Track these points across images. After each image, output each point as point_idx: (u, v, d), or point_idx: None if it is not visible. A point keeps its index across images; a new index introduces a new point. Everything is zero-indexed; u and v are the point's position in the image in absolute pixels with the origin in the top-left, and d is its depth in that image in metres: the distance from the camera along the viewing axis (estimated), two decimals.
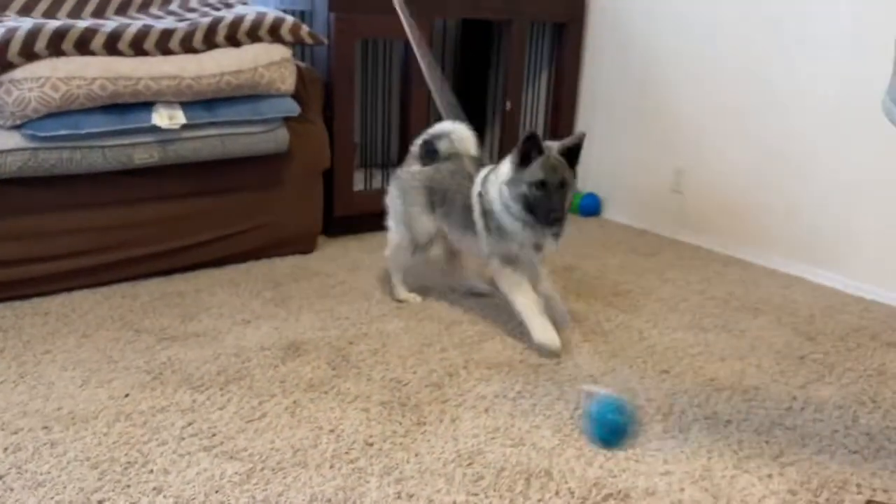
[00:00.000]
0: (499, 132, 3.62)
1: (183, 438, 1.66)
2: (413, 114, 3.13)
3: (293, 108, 2.63)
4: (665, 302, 2.58)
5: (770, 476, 1.62)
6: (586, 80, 3.64)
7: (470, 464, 1.62)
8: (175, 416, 1.74)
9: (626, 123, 3.49)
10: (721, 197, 3.15)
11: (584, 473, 1.60)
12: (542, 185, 2.00)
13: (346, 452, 1.64)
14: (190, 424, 1.71)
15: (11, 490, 1.47)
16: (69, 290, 2.43)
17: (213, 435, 1.68)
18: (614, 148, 3.55)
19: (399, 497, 1.50)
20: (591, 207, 3.58)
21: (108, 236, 2.44)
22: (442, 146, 2.37)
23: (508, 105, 3.43)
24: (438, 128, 2.39)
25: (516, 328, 2.29)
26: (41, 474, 1.52)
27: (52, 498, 1.45)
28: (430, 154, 2.38)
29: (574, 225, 3.39)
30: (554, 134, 3.64)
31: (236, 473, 1.54)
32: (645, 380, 2.01)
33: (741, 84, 3.03)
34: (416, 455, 1.64)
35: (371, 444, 1.67)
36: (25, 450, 1.59)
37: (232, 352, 2.07)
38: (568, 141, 2.04)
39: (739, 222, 3.10)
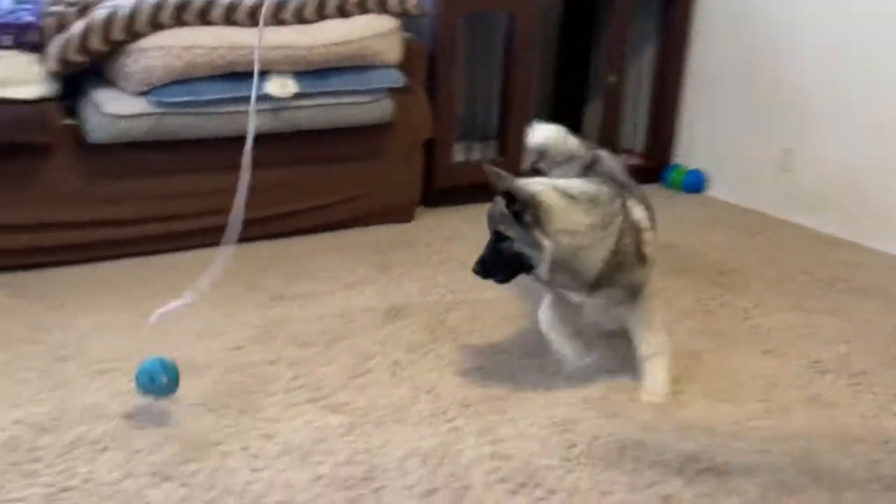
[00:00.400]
0: (601, 109, 3.57)
1: (290, 390, 1.75)
2: (515, 87, 3.13)
3: (398, 79, 2.68)
4: (769, 282, 2.50)
5: (875, 462, 1.57)
6: (694, 53, 3.53)
7: (564, 431, 1.65)
8: (283, 370, 1.84)
9: (734, 98, 3.38)
10: (831, 176, 3.02)
11: (680, 447, 1.60)
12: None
13: (444, 412, 1.69)
14: (297, 378, 1.81)
15: (136, 428, 1.59)
16: (187, 248, 2.56)
17: (318, 389, 1.76)
18: (721, 124, 3.44)
19: (494, 457, 1.55)
20: (695, 184, 3.50)
21: (223, 200, 2.50)
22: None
23: (612, 79, 3.38)
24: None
25: None
26: (164, 415, 1.64)
27: (172, 437, 1.56)
28: None
29: (676, 202, 3.33)
30: (657, 111, 3.56)
31: (340, 426, 1.62)
32: (748, 359, 1.97)
33: (856, 61, 2.88)
34: (512, 419, 1.68)
35: (468, 406, 1.72)
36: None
37: (337, 312, 2.16)
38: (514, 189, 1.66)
39: (850, 203, 2.96)
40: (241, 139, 2.47)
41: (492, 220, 1.68)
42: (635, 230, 1.73)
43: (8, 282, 2.22)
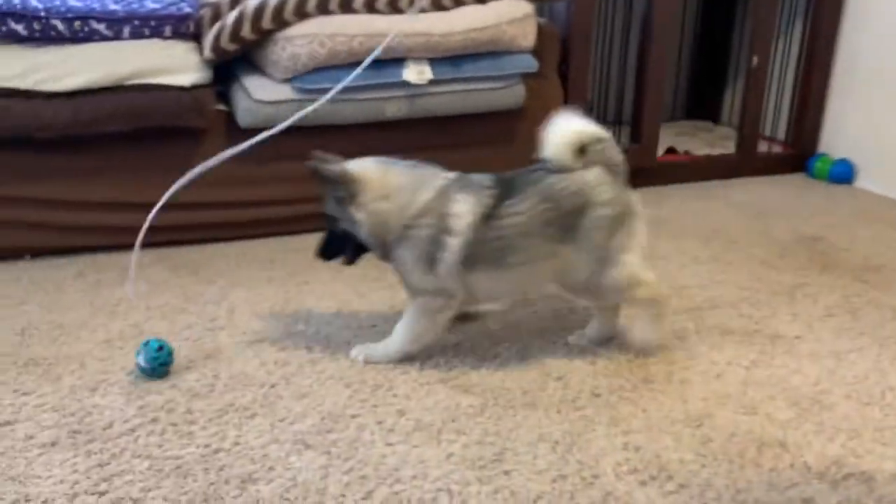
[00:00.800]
0: (741, 91, 3.42)
1: (422, 370, 1.80)
2: (651, 70, 3.05)
3: (532, 64, 2.67)
4: None
5: None
6: (846, 34, 3.31)
7: (699, 426, 1.61)
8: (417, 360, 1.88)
9: (889, 83, 3.15)
10: None
11: (823, 449, 1.53)
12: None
13: (573, 400, 1.69)
14: (429, 358, 1.85)
15: (281, 397, 1.69)
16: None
17: (450, 369, 1.80)
18: (874, 111, 3.22)
19: (626, 448, 1.53)
20: (843, 175, 3.29)
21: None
22: None
23: (755, 61, 3.23)
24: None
25: (751, 296, 2.20)
26: (304, 386, 1.73)
27: (313, 408, 1.65)
28: None
29: (822, 193, 3.15)
30: (803, 96, 3.37)
31: (470, 406, 1.66)
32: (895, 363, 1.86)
33: None
34: (644, 411, 1.66)
35: (598, 395, 1.71)
36: (291, 365, 1.82)
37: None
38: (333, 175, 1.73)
39: None
40: (378, 125, 2.58)
41: (321, 200, 1.73)
42: (443, 219, 1.68)
43: (166, 256, 2.39)
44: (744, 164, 3.36)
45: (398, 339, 1.82)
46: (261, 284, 2.26)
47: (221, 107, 2.49)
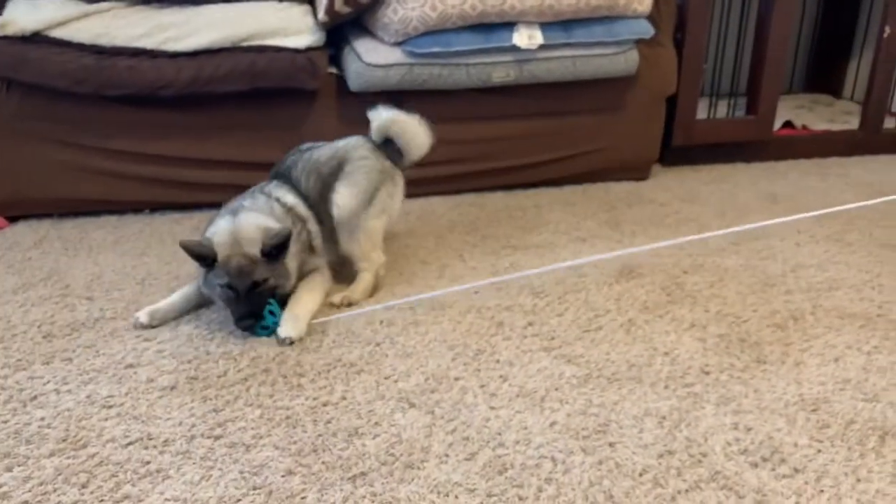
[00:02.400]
0: (869, 62, 3.20)
1: (525, 337, 1.79)
2: (771, 40, 2.89)
3: (648, 30, 2.58)
4: None
5: None
6: None
7: (814, 410, 1.53)
8: (518, 316, 1.88)
9: None
10: None
11: None
12: (229, 286, 1.77)
13: (681, 376, 1.64)
14: (531, 325, 1.84)
15: (386, 356, 1.71)
16: (426, 195, 2.69)
17: (552, 338, 1.78)
18: None
19: (736, 428, 1.48)
20: None
21: (462, 149, 2.64)
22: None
23: (887, 31, 3.01)
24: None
25: (873, 280, 2.08)
26: (408, 347, 1.74)
27: (417, 368, 1.66)
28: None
29: None
30: None
31: (574, 376, 1.63)
32: None
33: None
34: (756, 391, 1.59)
35: (707, 373, 1.65)
36: (396, 325, 1.84)
37: (574, 268, 2.15)
38: (270, 238, 1.78)
39: None
40: (484, 91, 2.56)
41: (242, 275, 1.76)
42: (297, 219, 1.96)
43: None
44: (868, 140, 3.16)
45: (312, 304, 1.87)
46: None
47: (333, 70, 2.52)
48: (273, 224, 1.84)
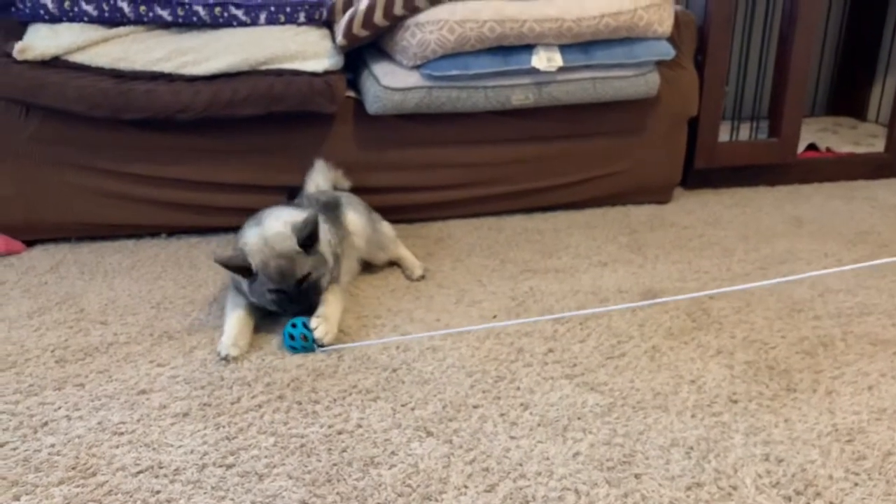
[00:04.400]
0: (894, 84, 3.15)
1: (546, 363, 1.74)
2: (793, 62, 2.85)
3: (668, 52, 2.55)
4: None
5: None
6: None
7: (849, 441, 1.47)
8: (538, 342, 1.83)
9: None
10: None
11: None
12: (276, 290, 1.84)
13: (709, 405, 1.58)
14: (551, 351, 1.79)
15: (403, 382, 1.67)
16: (444, 218, 2.67)
17: (574, 365, 1.73)
18: None
19: (767, 459, 1.42)
20: None
21: (480, 172, 2.62)
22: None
23: None
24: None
25: None
26: (426, 373, 1.70)
27: (434, 395, 1.62)
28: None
29: None
30: None
31: (597, 405, 1.58)
32: None
33: None
34: (786, 420, 1.53)
35: (735, 402, 1.59)
36: (412, 350, 1.80)
37: (589, 289, 2.12)
38: (301, 227, 1.85)
39: None
40: (503, 114, 2.54)
41: (286, 276, 1.81)
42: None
43: None
44: (894, 162, 3.10)
45: (338, 308, 1.89)
46: (382, 269, 2.28)
47: (351, 94, 2.51)
48: (298, 216, 1.90)
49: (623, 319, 1.94)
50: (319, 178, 2.38)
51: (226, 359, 1.76)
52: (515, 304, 2.04)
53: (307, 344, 1.78)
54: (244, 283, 1.85)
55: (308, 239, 1.85)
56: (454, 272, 2.26)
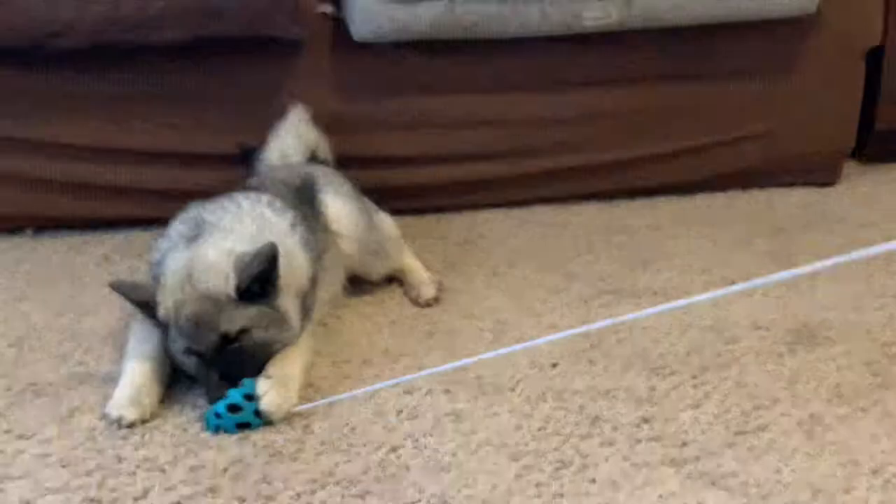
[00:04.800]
0: None
1: (638, 441, 1.72)
2: None
3: None
4: None
5: None
6: None
7: None
8: (625, 407, 1.81)
9: None
10: None
11: None
12: (189, 351, 1.84)
13: None
14: (646, 422, 1.77)
15: (407, 469, 1.64)
16: (474, 207, 2.67)
17: (683, 444, 1.71)
18: None
19: None
20: None
21: (532, 135, 2.63)
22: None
23: None
24: None
25: None
26: (444, 454, 1.68)
27: (459, 489, 1.59)
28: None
29: None
30: None
31: None
32: None
33: None
34: None
35: None
36: (423, 418, 1.78)
37: (707, 324, 2.10)
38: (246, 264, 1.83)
39: None
40: (569, 41, 2.52)
41: (201, 327, 1.80)
42: None
43: None
44: None
45: (300, 363, 1.90)
46: (376, 286, 2.29)
47: (327, 8, 2.51)
48: (257, 234, 1.91)
49: (763, 371, 1.93)
50: (290, 140, 2.38)
51: (118, 423, 1.75)
52: (588, 347, 2.02)
53: (242, 417, 1.75)
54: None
55: (255, 283, 1.83)
56: (489, 292, 2.25)
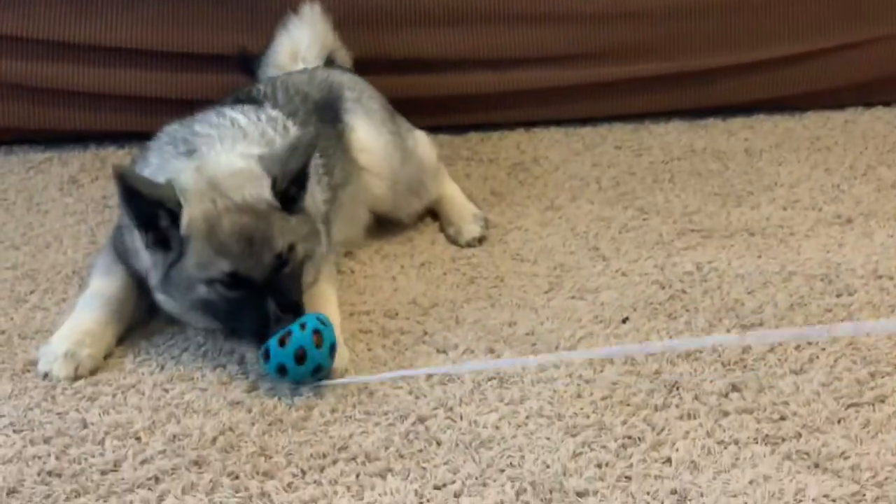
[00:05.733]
0: None
1: (725, 413, 1.71)
2: None
3: None
4: None
5: None
6: None
7: None
8: (710, 372, 1.81)
9: None
10: None
11: None
12: (234, 278, 1.83)
13: None
14: (736, 390, 1.77)
15: (437, 443, 1.64)
16: (528, 124, 2.69)
17: (781, 418, 1.71)
18: None
19: None
20: None
21: (596, 34, 2.63)
22: None
23: None
24: None
25: None
26: (483, 425, 1.68)
27: (502, 469, 1.59)
28: None
29: None
30: None
31: (829, 498, 1.53)
32: None
33: None
34: None
35: None
36: (459, 383, 1.79)
37: (815, 271, 2.11)
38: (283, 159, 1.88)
39: None
40: None
41: (255, 247, 1.82)
42: None
43: None
44: None
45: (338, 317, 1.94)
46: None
47: None
48: (267, 135, 1.97)
49: (882, 334, 1.91)
50: (303, 37, 2.38)
51: (52, 376, 1.78)
52: (666, 298, 2.03)
53: (320, 360, 1.75)
54: (143, 254, 1.85)
55: (295, 184, 1.85)
56: (544, 230, 2.26)
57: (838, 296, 2.03)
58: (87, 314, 1.84)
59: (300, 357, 1.72)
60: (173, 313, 1.88)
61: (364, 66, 2.45)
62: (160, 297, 1.86)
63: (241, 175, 1.84)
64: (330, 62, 2.41)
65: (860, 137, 2.67)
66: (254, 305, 1.81)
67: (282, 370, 1.73)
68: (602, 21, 2.62)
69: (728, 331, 1.93)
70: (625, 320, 1.97)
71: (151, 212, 1.79)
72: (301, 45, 2.38)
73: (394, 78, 2.46)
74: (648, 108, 2.75)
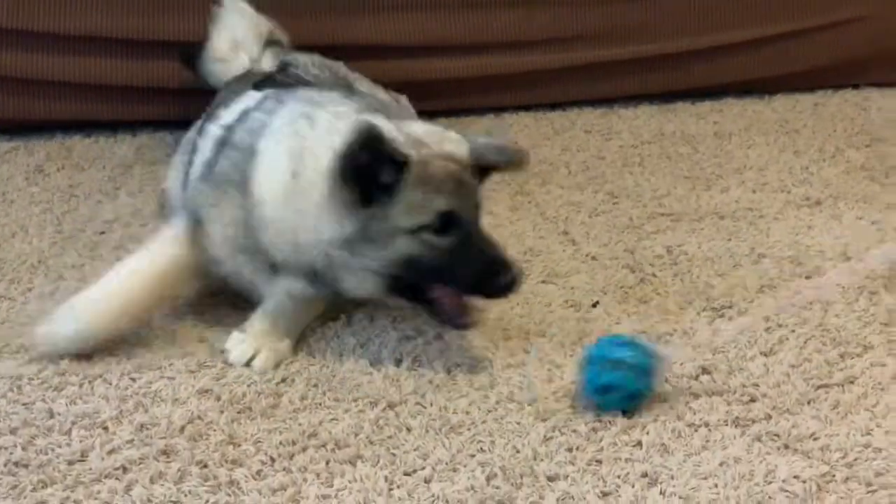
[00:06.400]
0: None
1: (695, 396, 1.72)
2: None
3: None
4: None
5: None
6: None
7: None
8: (681, 353, 1.80)
9: None
10: None
11: None
12: (448, 220, 1.81)
13: None
14: (706, 373, 1.78)
15: (407, 429, 1.65)
16: (497, 110, 2.70)
17: (751, 400, 1.72)
18: None
19: None
20: None
21: (565, 17, 2.65)
22: None
23: None
24: None
25: None
26: (455, 412, 1.68)
27: (472, 455, 1.59)
28: None
29: None
30: None
31: (798, 479, 1.53)
32: None
33: None
34: None
35: None
36: (429, 367, 1.80)
37: (785, 253, 2.11)
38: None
39: None
40: None
41: (469, 194, 1.86)
42: None
43: None
44: None
45: None
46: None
47: None
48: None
49: (851, 312, 1.94)
50: (237, 26, 2.41)
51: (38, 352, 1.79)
52: (637, 281, 2.04)
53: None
54: (239, 257, 1.91)
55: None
56: (514, 216, 2.26)
57: (807, 277, 2.04)
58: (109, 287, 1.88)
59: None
60: (349, 290, 1.87)
61: (332, 53, 2.44)
62: (341, 275, 1.85)
63: (437, 133, 1.90)
64: (272, 41, 2.46)
65: (829, 120, 2.70)
66: (466, 253, 1.80)
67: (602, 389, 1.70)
68: (571, 6, 2.64)
69: (698, 314, 1.93)
70: (595, 304, 1.97)
71: (372, 165, 1.78)
72: (236, 33, 2.40)
73: (362, 63, 2.44)
74: (618, 92, 2.76)
